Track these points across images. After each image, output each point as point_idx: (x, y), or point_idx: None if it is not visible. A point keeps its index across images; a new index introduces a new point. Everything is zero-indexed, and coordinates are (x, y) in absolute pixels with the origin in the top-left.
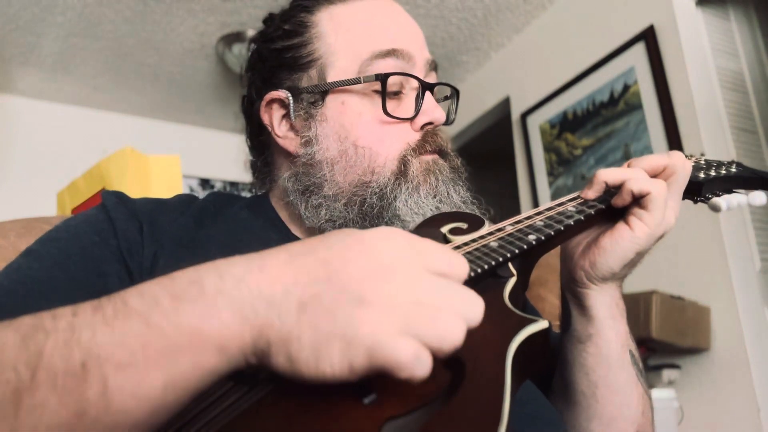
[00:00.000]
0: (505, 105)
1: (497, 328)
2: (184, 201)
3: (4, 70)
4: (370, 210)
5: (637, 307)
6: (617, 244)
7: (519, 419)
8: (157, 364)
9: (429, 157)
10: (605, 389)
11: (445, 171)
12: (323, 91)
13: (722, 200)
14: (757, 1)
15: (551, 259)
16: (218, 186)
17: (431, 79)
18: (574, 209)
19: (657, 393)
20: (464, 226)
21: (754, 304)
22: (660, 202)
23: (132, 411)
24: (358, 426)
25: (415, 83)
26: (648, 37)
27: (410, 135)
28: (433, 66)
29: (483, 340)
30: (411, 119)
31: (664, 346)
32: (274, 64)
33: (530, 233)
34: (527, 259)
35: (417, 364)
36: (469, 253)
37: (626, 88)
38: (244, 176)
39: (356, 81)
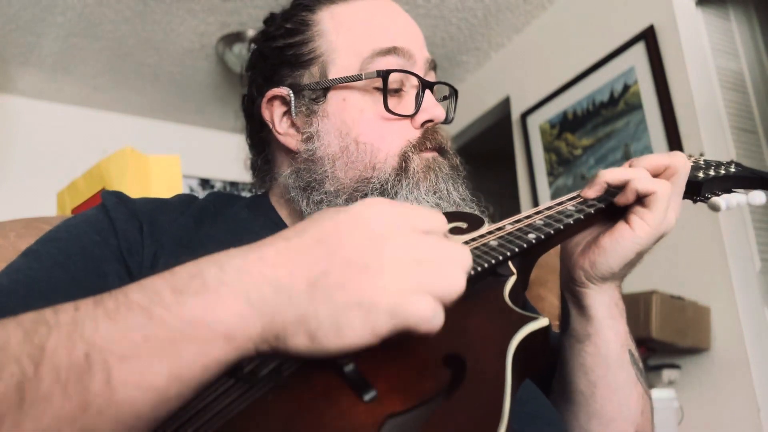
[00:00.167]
0: (505, 105)
1: (497, 326)
2: (184, 201)
3: (4, 70)
4: None
5: (637, 307)
6: (618, 243)
7: (519, 418)
8: (160, 355)
9: (429, 155)
10: (604, 389)
11: (444, 168)
12: (325, 87)
13: (721, 200)
14: (757, 1)
15: (551, 258)
16: (218, 186)
17: (431, 78)
18: (573, 208)
19: (657, 393)
20: (464, 225)
21: (754, 304)
22: (664, 202)
23: (136, 403)
24: (358, 423)
25: (415, 81)
26: (648, 37)
27: (411, 132)
28: (433, 65)
29: (483, 338)
30: (411, 116)
31: (664, 346)
32: (275, 61)
33: (530, 232)
34: (527, 257)
35: (435, 318)
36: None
37: (626, 88)
38: (244, 176)
39: (358, 78)
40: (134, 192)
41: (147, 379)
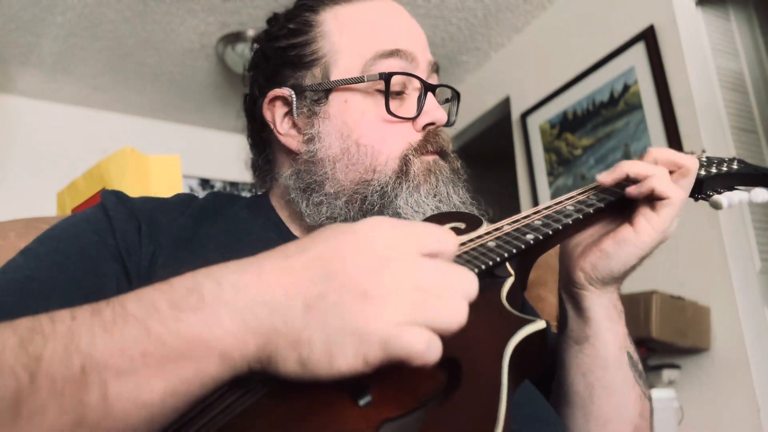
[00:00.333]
0: (505, 105)
1: (494, 329)
2: (183, 200)
3: (4, 70)
4: (371, 208)
5: (637, 307)
6: (621, 248)
7: (517, 420)
8: (157, 371)
9: (430, 158)
10: (602, 391)
11: (445, 172)
12: (327, 89)
13: (723, 197)
14: (757, 1)
15: (551, 259)
16: (218, 186)
17: (433, 80)
18: (572, 208)
19: (657, 393)
20: (462, 225)
21: (754, 304)
22: (674, 210)
23: (131, 417)
24: (353, 428)
25: (417, 84)
26: (648, 37)
27: (412, 135)
28: (435, 68)
29: (480, 340)
30: (413, 119)
31: (664, 346)
32: (277, 62)
33: (528, 232)
34: (525, 258)
35: (430, 351)
36: (466, 252)
37: (626, 88)
38: (245, 176)
39: (360, 80)
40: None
41: (143, 394)
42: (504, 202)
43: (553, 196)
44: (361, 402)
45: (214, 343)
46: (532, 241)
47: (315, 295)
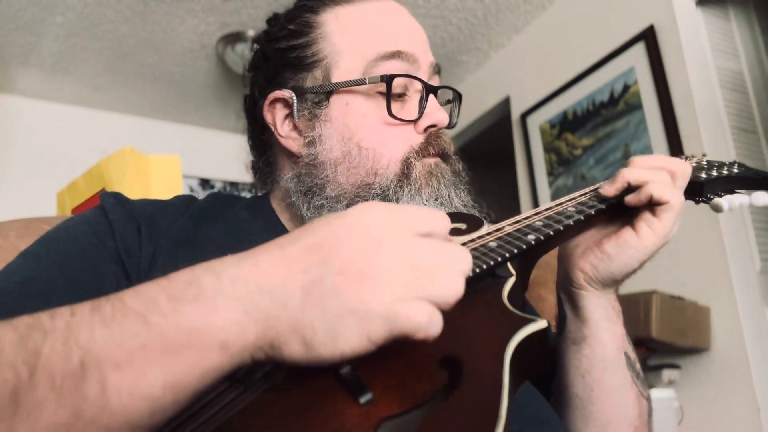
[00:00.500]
0: (505, 105)
1: (496, 328)
2: (183, 202)
3: (4, 70)
4: None
5: (637, 307)
6: (623, 252)
7: (518, 421)
8: (156, 363)
9: (431, 160)
10: (600, 392)
11: (447, 174)
12: (328, 91)
13: (724, 201)
14: (757, 1)
15: (551, 259)
16: (218, 186)
17: (435, 82)
18: (573, 209)
19: (657, 393)
20: (463, 226)
21: (754, 304)
22: (675, 214)
23: (130, 411)
24: (353, 426)
25: (419, 86)
26: (648, 37)
27: (414, 137)
28: (437, 69)
29: (481, 340)
30: (415, 121)
31: (664, 346)
32: (278, 63)
33: (529, 233)
34: (526, 259)
35: (432, 324)
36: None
37: (626, 88)
38: (245, 176)
39: (361, 82)
40: (134, 192)
41: (142, 387)
42: (504, 202)
43: (553, 196)
44: (362, 400)
45: (215, 333)
46: (533, 242)
47: (312, 279)
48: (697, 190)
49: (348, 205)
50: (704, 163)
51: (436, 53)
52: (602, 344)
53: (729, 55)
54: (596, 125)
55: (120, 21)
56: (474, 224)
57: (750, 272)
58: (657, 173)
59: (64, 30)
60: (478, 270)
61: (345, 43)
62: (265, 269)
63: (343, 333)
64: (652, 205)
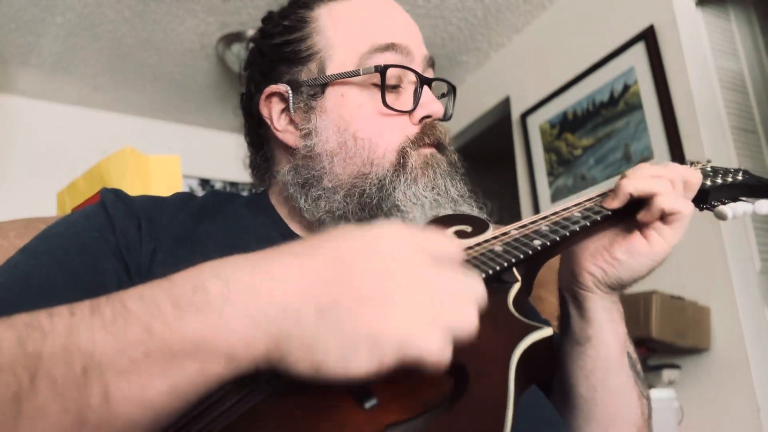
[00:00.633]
0: (505, 105)
1: (501, 335)
2: (182, 199)
3: (4, 70)
4: (369, 201)
5: (637, 307)
6: (633, 259)
7: (521, 423)
8: (160, 372)
9: (427, 151)
10: (604, 392)
11: (442, 164)
12: (323, 83)
13: (728, 208)
14: (757, 1)
15: (552, 261)
16: (218, 186)
17: (429, 74)
18: (580, 215)
19: (657, 393)
20: (468, 229)
21: (754, 304)
22: (686, 222)
23: (134, 417)
24: (358, 430)
25: (413, 78)
26: (648, 37)
27: (409, 128)
28: (431, 62)
29: (486, 346)
30: (410, 112)
31: (664, 346)
32: (273, 58)
33: (535, 238)
34: (532, 264)
35: (442, 353)
36: (474, 257)
37: (626, 88)
38: (244, 176)
39: (356, 73)
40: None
41: (146, 395)
42: (504, 202)
43: (553, 196)
44: (367, 405)
45: (221, 344)
46: (539, 247)
47: (329, 300)
48: (702, 197)
49: (345, 196)
50: (709, 169)
51: (436, 53)
52: (606, 345)
53: (729, 55)
54: (596, 125)
55: (120, 21)
56: (479, 227)
57: (750, 272)
58: (659, 183)
59: (64, 30)
60: (484, 275)
61: (339, 36)
62: (280, 279)
63: (354, 356)
64: (663, 216)
